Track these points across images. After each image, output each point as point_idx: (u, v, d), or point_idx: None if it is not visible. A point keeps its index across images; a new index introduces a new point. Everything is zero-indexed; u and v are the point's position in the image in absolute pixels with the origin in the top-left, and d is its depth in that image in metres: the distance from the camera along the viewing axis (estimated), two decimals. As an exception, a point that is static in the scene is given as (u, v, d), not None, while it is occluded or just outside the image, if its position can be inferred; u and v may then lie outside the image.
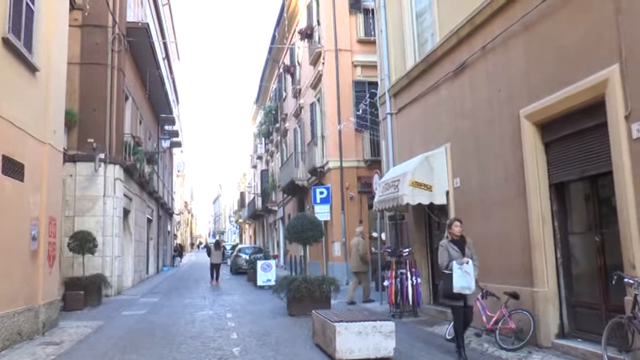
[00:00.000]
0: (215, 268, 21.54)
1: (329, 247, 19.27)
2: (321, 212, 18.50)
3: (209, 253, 22.37)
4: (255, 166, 44.68)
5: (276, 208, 32.85)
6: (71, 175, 15.69)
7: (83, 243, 13.95)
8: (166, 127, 30.96)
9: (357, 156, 19.09)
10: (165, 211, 34.13)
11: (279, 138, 31.25)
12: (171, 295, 16.73)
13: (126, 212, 18.40)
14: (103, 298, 14.52)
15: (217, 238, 51.93)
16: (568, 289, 7.34)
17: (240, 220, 55.09)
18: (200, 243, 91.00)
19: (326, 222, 18.64)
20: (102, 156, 15.87)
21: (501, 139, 8.37)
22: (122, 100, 17.26)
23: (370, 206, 16.32)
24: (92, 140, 15.82)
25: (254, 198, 41.77)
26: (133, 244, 19.65)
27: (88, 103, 15.91)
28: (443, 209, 10.54)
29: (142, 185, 21.50)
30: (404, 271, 10.67)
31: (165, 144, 29.84)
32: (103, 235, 15.67)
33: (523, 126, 7.77)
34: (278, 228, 33.15)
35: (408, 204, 10.26)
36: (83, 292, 13.30)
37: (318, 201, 18.75)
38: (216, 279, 21.55)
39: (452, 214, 9.89)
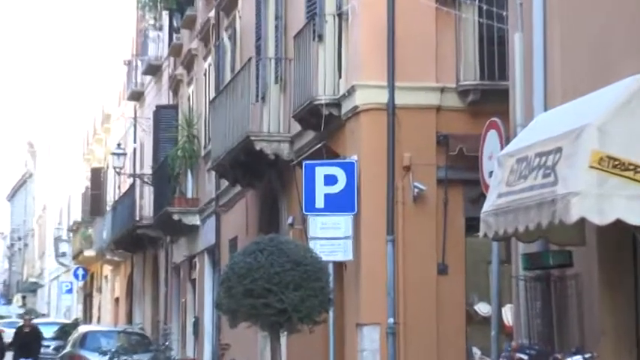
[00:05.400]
0: None
1: (345, 339, 16.12)
2: (328, 240, 15.56)
3: None
4: (137, 97, 38.33)
5: (197, 222, 27.31)
6: None
7: None
8: None
9: (437, 77, 15.79)
10: None
11: (214, 14, 26.26)
12: None
13: None
14: None
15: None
16: None
17: (90, 253, 46.38)
18: None
19: (339, 265, 15.81)
20: None
21: None
22: None
23: (472, 222, 13.56)
24: None
25: (132, 186, 35.94)
26: None
27: None
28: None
29: None
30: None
31: None
32: None
33: None
34: (201, 277, 27.74)
35: (584, 221, 8.69)
36: None
37: (319, 204, 15.62)
38: None
39: None
